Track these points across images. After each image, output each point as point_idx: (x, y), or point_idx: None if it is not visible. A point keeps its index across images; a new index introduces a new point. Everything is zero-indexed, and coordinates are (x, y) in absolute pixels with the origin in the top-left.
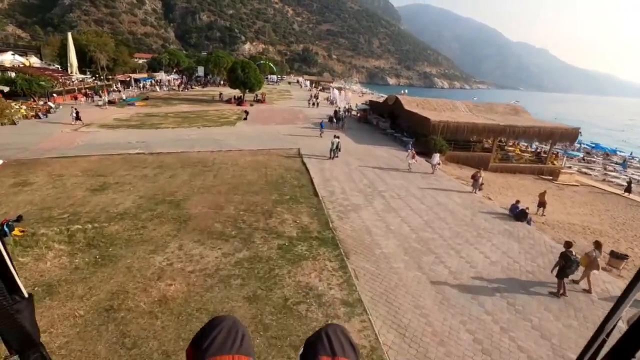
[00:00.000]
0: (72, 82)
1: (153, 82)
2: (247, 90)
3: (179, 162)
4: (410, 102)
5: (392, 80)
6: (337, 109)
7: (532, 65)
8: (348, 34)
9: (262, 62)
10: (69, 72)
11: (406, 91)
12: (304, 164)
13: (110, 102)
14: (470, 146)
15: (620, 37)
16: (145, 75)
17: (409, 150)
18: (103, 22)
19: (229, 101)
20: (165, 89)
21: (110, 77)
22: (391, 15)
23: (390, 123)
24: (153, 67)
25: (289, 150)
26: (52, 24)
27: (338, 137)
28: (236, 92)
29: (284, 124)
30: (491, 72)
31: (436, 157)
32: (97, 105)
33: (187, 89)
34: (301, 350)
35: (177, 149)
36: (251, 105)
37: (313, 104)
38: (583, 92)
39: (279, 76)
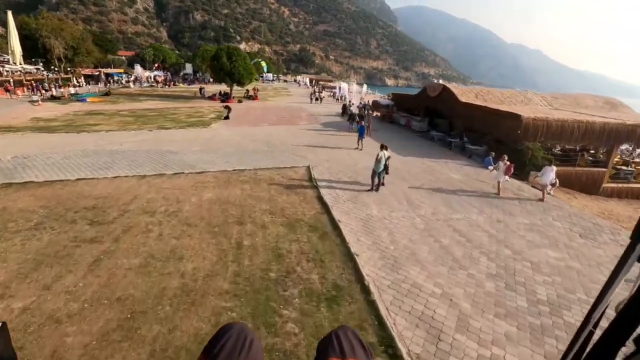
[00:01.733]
0: (9, 72)
1: (127, 77)
2: (234, 84)
3: (45, 207)
4: (467, 93)
5: (390, 81)
6: (347, 103)
7: (527, 66)
8: (345, 35)
9: (257, 60)
10: (11, 61)
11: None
12: (324, 205)
13: (54, 98)
14: (571, 158)
15: (611, 38)
16: (120, 70)
17: (498, 164)
18: (92, 21)
19: (212, 97)
20: (143, 85)
21: (70, 69)
22: (388, 17)
23: (427, 123)
24: (135, 63)
25: (290, 171)
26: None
27: (386, 149)
28: (223, 88)
29: (281, 125)
30: (487, 72)
31: (551, 174)
32: (31, 101)
33: (169, 86)
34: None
35: (74, 172)
36: (239, 102)
37: (316, 99)
38: (576, 91)
39: (275, 75)
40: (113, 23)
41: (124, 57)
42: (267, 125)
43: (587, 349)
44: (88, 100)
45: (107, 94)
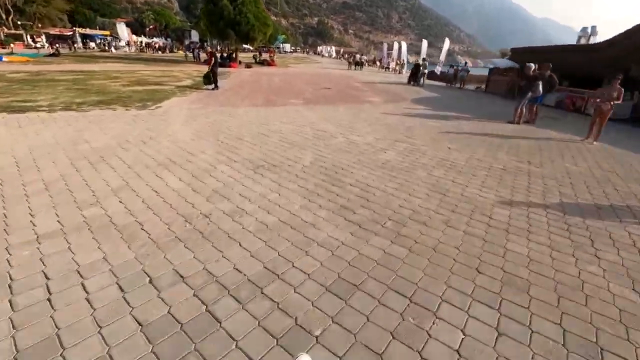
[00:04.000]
0: None
1: (108, 40)
2: (239, 42)
3: None
4: None
5: (412, 58)
6: (420, 63)
7: (558, 41)
8: (365, 8)
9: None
10: None
11: None
12: None
13: None
14: None
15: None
16: (105, 32)
17: None
18: None
19: (207, 62)
20: (130, 50)
21: (22, 24)
22: None
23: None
24: (135, 28)
25: None
26: None
27: None
28: (245, 56)
29: (327, 105)
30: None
31: None
32: None
33: (162, 52)
34: None
35: None
36: (248, 67)
37: (356, 63)
38: None
39: (292, 47)
40: None
41: (121, 22)
42: (301, 105)
43: None
44: (5, 59)
45: (54, 54)
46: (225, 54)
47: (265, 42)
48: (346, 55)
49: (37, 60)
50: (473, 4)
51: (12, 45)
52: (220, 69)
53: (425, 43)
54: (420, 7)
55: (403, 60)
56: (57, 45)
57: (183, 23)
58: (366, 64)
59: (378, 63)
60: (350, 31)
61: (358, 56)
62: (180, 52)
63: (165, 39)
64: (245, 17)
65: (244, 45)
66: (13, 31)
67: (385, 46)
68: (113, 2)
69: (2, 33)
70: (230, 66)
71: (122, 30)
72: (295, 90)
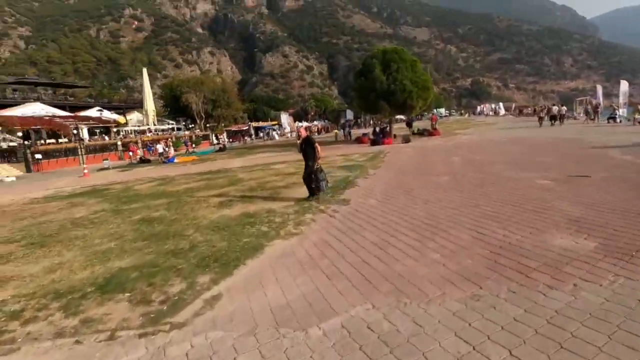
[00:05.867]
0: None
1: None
2: (393, 113)
3: None
4: None
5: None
6: None
7: None
8: (527, 58)
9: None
10: (145, 122)
11: None
12: None
13: (143, 161)
14: None
15: None
16: (273, 123)
17: None
18: (279, 91)
19: (360, 140)
20: (290, 135)
21: (211, 125)
22: (584, 28)
23: None
24: (299, 115)
25: None
26: (243, 99)
27: None
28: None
29: None
30: None
31: None
32: (101, 169)
33: (318, 134)
34: None
35: None
36: (405, 141)
37: (552, 118)
38: None
39: (447, 110)
40: (294, 89)
41: (285, 113)
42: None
43: None
44: (176, 161)
45: (221, 149)
46: (377, 129)
47: (426, 108)
48: (536, 109)
49: (203, 158)
50: None
51: (191, 145)
52: (373, 148)
53: (625, 85)
54: (603, 44)
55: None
56: (225, 140)
57: (340, 105)
58: (566, 115)
59: (583, 114)
60: (511, 85)
61: (555, 108)
62: (336, 131)
63: (324, 121)
64: (401, 85)
65: (397, 116)
66: (203, 132)
67: (599, 90)
68: (289, 98)
69: (193, 136)
70: (383, 142)
71: (284, 119)
72: (523, 193)
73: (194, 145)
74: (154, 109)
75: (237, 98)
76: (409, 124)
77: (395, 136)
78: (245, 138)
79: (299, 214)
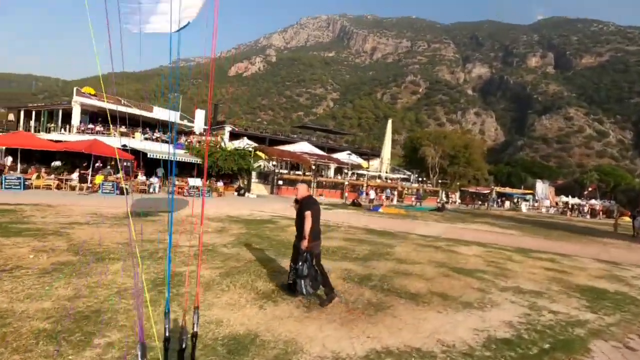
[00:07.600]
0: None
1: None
2: None
3: None
4: None
5: None
6: None
7: None
8: None
9: None
10: (379, 168)
11: None
12: None
13: (354, 204)
14: None
15: None
16: (525, 191)
17: None
18: (550, 157)
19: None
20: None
21: (443, 181)
22: None
23: None
24: (570, 188)
25: None
26: (500, 162)
27: None
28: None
29: None
30: None
31: None
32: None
33: (591, 217)
34: None
35: None
36: None
37: None
38: None
39: None
40: (573, 157)
41: (540, 181)
42: None
43: None
44: (381, 210)
45: (439, 209)
46: None
47: None
48: None
49: (410, 213)
50: None
51: (417, 199)
52: None
53: None
54: None
55: None
56: (444, 200)
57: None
58: None
59: None
60: None
61: None
62: (626, 218)
63: (609, 202)
64: None
65: None
66: (434, 188)
67: None
68: (562, 167)
69: (421, 189)
70: None
71: (539, 188)
72: None
73: (420, 201)
74: (389, 158)
75: (483, 156)
76: None
77: None
78: (478, 202)
79: None
